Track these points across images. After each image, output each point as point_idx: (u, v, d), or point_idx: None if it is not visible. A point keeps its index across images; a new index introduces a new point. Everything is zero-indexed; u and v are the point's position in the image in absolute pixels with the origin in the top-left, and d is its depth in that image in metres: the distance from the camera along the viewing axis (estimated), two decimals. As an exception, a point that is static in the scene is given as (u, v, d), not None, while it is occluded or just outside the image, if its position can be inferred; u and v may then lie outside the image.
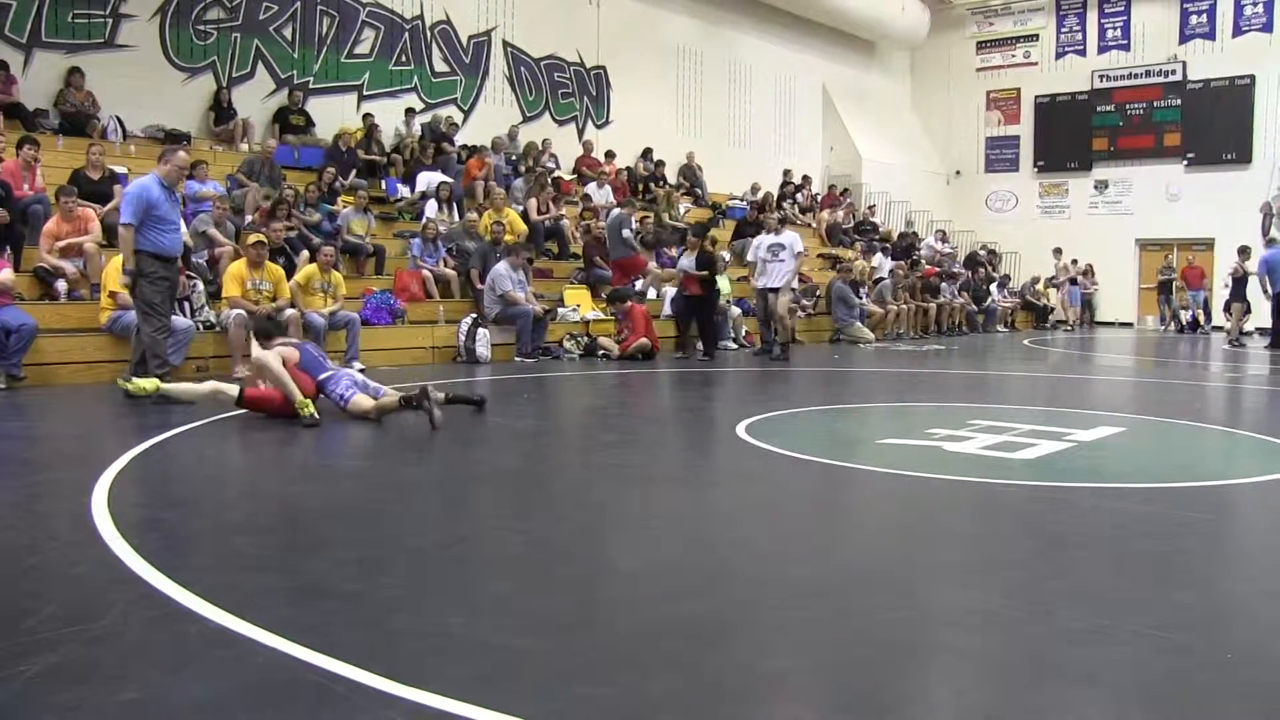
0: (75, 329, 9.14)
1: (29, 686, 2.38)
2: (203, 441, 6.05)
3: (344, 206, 13.09)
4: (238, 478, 5.54)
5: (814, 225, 22.28)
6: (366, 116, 15.51)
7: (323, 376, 6.88)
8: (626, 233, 14.34)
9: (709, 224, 13.69)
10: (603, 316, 13.52)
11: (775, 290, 12.83)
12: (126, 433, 6.29)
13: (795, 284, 13.00)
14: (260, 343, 7.16)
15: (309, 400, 6.58)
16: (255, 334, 7.45)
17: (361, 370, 8.71)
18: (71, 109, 12.52)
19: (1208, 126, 23.81)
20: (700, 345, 13.12)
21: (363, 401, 6.72)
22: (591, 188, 17.49)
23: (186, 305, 9.77)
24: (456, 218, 14.00)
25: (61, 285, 9.53)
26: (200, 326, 9.60)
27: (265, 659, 2.57)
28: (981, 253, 24.30)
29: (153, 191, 7.53)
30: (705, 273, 12.88)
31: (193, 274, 10.04)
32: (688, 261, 13.15)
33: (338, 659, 2.52)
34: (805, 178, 23.52)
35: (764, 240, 13.12)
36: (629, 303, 12.89)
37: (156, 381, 7.06)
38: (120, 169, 11.54)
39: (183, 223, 8.90)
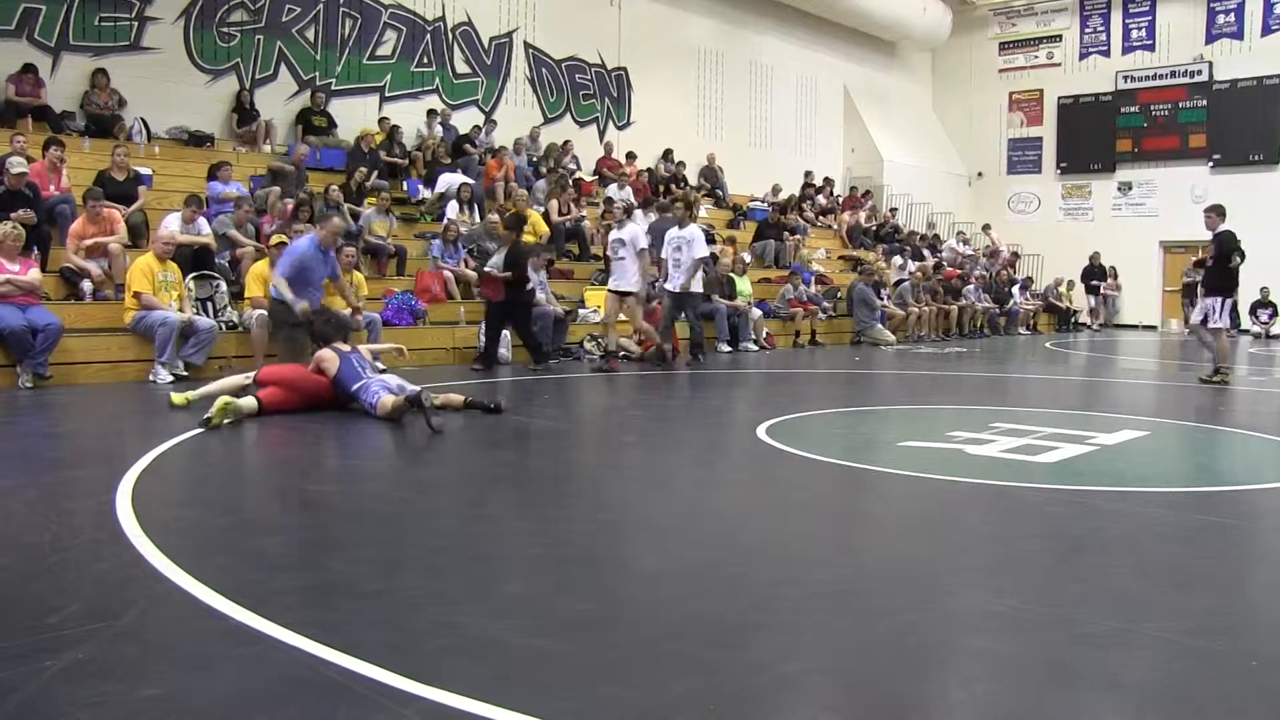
0: (100, 329, 9.22)
1: (53, 681, 2.40)
2: (225, 441, 6.09)
3: (366, 207, 13.16)
4: (260, 477, 5.58)
5: (835, 227, 22.23)
6: (383, 120, 15.56)
7: (355, 387, 7.03)
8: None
9: (522, 216, 11.58)
10: (622, 318, 13.50)
11: (625, 293, 11.06)
12: (150, 432, 6.34)
13: (633, 284, 10.99)
14: (319, 345, 7.52)
15: (228, 406, 6.44)
16: (314, 336, 7.80)
17: (383, 370, 8.74)
18: (98, 111, 12.64)
19: (1234, 127, 23.55)
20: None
21: (387, 401, 6.81)
22: (612, 189, 17.50)
23: (209, 305, 9.86)
24: (478, 219, 14.04)
25: (87, 285, 9.62)
26: (223, 327, 9.68)
27: (286, 657, 2.59)
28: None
29: (309, 253, 8.50)
30: (509, 274, 10.58)
31: (215, 274, 10.12)
32: (497, 259, 10.91)
33: (357, 658, 2.54)
34: (827, 179, 23.45)
35: (611, 234, 11.44)
36: (653, 304, 12.89)
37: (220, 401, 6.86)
38: (145, 170, 11.65)
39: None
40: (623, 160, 18.86)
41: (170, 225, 10.01)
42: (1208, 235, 11.41)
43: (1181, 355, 16.25)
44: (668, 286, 11.53)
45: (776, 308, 16.22)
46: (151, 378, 8.84)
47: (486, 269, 10.91)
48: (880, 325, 16.86)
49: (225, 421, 6.37)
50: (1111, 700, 2.43)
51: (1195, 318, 11.07)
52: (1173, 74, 24.64)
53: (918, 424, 7.71)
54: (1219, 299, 10.93)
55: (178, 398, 7.16)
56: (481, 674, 2.50)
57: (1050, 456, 5.75)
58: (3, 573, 3.34)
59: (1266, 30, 23.42)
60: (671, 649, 2.71)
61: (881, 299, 17.28)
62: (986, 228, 24.91)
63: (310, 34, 15.23)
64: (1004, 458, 5.76)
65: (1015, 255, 24.86)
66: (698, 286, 11.59)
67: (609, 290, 11.39)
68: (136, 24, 13.36)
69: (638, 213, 13.27)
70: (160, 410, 7.17)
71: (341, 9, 15.53)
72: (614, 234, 11.29)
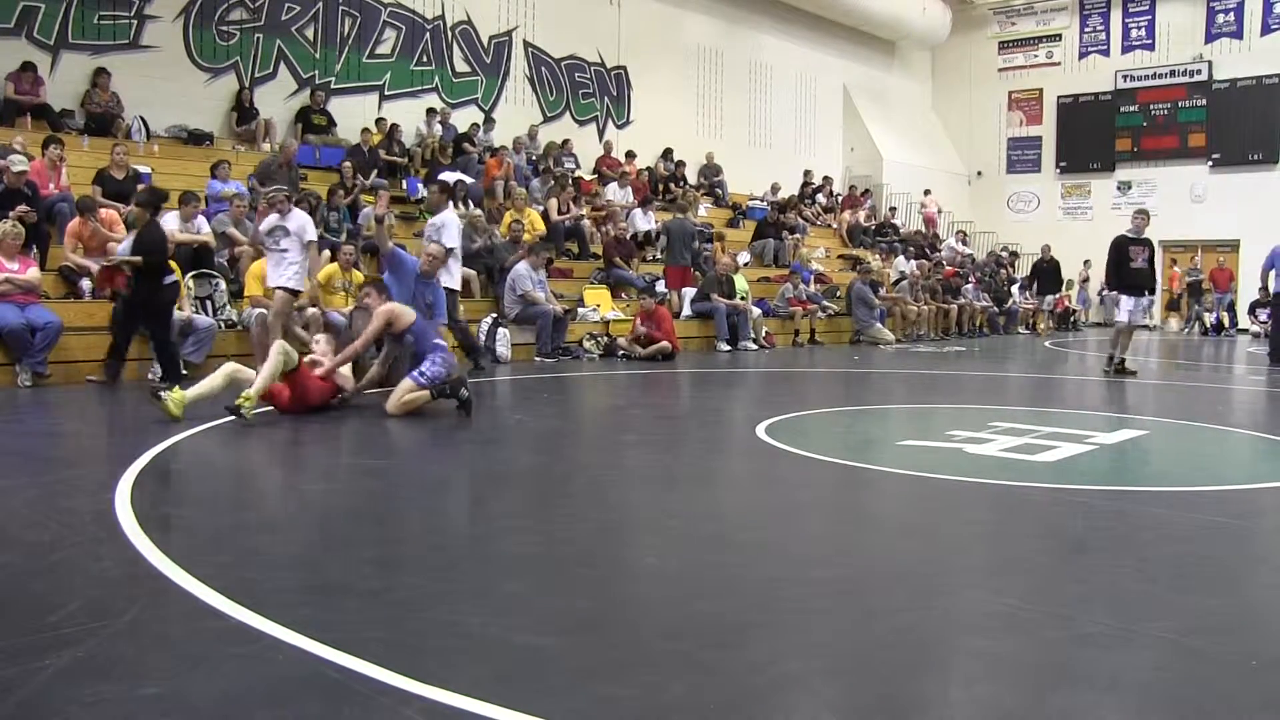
0: (99, 327, 9.20)
1: (53, 680, 2.40)
2: (224, 439, 6.09)
3: (365, 206, 13.14)
4: (259, 475, 5.57)
5: (835, 226, 22.23)
6: (380, 122, 15.50)
7: (429, 347, 7.16)
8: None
9: (158, 193, 8.85)
10: (623, 316, 13.53)
11: (290, 290, 8.98)
12: (149, 430, 6.33)
13: (290, 281, 8.92)
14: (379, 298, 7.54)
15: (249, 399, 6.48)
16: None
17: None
18: (97, 109, 12.63)
19: (1234, 127, 23.57)
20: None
21: (416, 399, 6.93)
22: (612, 188, 17.50)
23: (209, 304, 9.85)
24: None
25: (86, 284, 9.61)
26: (222, 325, 9.67)
27: (285, 656, 2.59)
28: (1003, 254, 24.17)
29: (411, 266, 8.64)
30: (138, 259, 8.10)
31: (214, 273, 10.11)
32: (126, 244, 8.62)
33: (357, 657, 2.53)
34: (826, 178, 23.44)
35: (269, 221, 9.16)
36: (655, 304, 12.96)
37: (180, 397, 6.52)
38: (144, 169, 11.64)
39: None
40: (622, 159, 18.85)
41: (169, 224, 9.99)
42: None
43: (1184, 355, 16.26)
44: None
45: (776, 307, 16.23)
46: (151, 376, 8.83)
47: (114, 257, 8.71)
48: (880, 325, 16.86)
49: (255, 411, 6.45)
50: (1111, 700, 2.43)
51: (1125, 317, 11.39)
52: (1172, 73, 24.66)
53: (917, 423, 7.72)
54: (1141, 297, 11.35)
55: (173, 410, 6.42)
56: (482, 673, 2.50)
57: (1050, 456, 5.74)
58: (2, 571, 3.33)
59: (1266, 30, 23.44)
60: (671, 649, 2.71)
61: (879, 298, 17.27)
62: (927, 193, 24.72)
63: (310, 32, 15.22)
64: (1003, 457, 5.76)
65: (1014, 255, 24.88)
66: (452, 282, 9.86)
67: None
68: (136, 22, 13.35)
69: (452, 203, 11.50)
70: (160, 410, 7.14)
71: (341, 8, 15.52)
72: (275, 220, 9.06)
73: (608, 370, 11.27)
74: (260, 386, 6.54)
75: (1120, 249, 11.36)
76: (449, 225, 9.93)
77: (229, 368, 6.80)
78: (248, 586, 3.11)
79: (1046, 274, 22.02)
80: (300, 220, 9.10)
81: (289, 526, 4.19)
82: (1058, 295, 22.46)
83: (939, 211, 24.57)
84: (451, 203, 10.40)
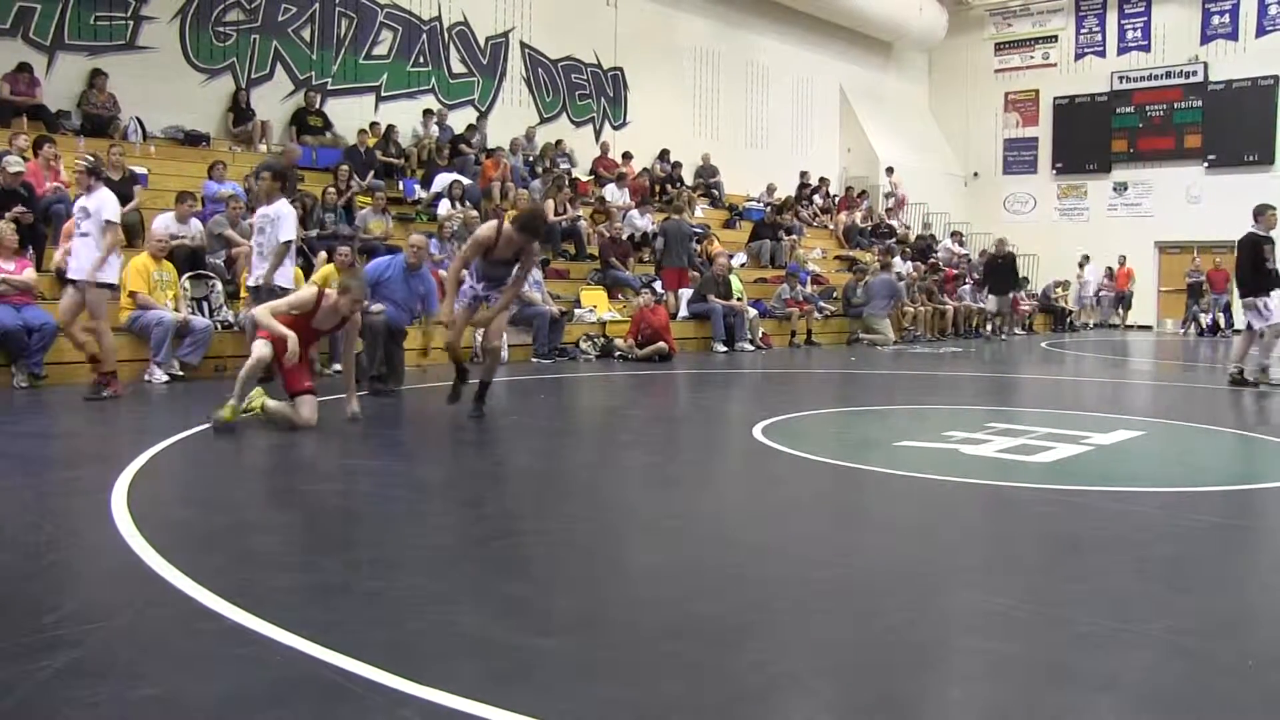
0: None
1: (50, 681, 2.39)
2: (221, 440, 6.08)
3: (361, 207, 13.13)
4: (256, 476, 5.56)
5: (831, 227, 22.24)
6: (373, 125, 15.45)
7: None
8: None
9: None
10: (619, 317, 13.53)
11: (109, 285, 7.94)
12: (146, 431, 6.33)
13: (109, 274, 7.84)
14: None
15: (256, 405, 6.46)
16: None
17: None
18: (94, 110, 12.61)
19: (1229, 128, 23.59)
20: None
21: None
22: (610, 189, 17.50)
23: (205, 305, 9.84)
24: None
25: (82, 285, 9.58)
26: (218, 326, 9.66)
27: (282, 657, 2.58)
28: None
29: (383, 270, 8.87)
30: None
31: (211, 274, 10.10)
32: None
33: (354, 658, 2.53)
34: (822, 179, 23.45)
35: (259, 210, 8.45)
36: (654, 303, 12.97)
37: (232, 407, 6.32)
38: (140, 170, 11.62)
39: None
40: (619, 160, 18.84)
41: (165, 224, 9.98)
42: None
43: (1183, 356, 16.27)
44: (249, 282, 8.60)
45: (773, 307, 16.23)
46: (147, 378, 8.82)
47: None
48: (885, 320, 16.90)
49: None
50: (1107, 700, 2.44)
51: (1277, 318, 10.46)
52: (1168, 75, 24.69)
53: (914, 424, 7.72)
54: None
55: (227, 414, 6.26)
56: (479, 674, 2.50)
57: (1046, 456, 5.75)
58: (-2, 573, 3.33)
59: (1261, 31, 23.47)
60: (670, 649, 2.71)
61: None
62: (889, 170, 24.53)
63: (306, 33, 15.20)
64: (1000, 458, 5.76)
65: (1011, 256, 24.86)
66: (285, 280, 8.31)
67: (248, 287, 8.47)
68: (132, 23, 13.33)
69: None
70: (156, 410, 7.15)
71: (337, 8, 15.50)
72: (262, 210, 8.39)
73: (605, 371, 11.26)
74: (238, 401, 6.33)
75: (1258, 249, 10.49)
76: (284, 217, 8.37)
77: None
78: (245, 587, 3.11)
79: (1000, 271, 19.45)
80: (100, 198, 7.77)
81: (286, 527, 4.19)
82: (1013, 295, 20.15)
83: (897, 187, 24.43)
84: (285, 191, 8.91)
